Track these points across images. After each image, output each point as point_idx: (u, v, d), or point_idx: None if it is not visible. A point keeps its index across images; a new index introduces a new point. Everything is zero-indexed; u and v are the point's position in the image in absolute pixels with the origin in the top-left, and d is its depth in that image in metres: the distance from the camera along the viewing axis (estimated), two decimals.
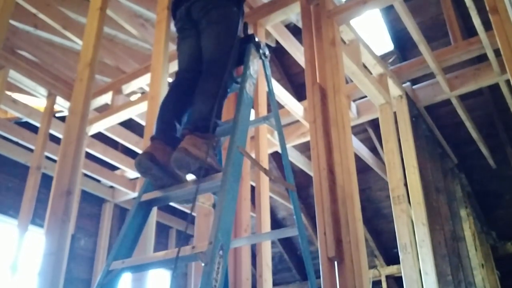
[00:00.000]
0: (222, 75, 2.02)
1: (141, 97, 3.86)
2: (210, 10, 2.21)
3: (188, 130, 1.83)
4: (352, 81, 3.56)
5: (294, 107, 4.01)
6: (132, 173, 5.25)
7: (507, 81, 3.90)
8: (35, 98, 4.27)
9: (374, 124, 5.10)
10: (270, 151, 4.48)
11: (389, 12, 4.69)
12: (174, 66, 3.07)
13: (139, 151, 4.69)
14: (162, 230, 6.23)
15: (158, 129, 2.00)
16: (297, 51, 3.61)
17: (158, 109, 2.10)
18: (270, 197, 5.08)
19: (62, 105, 4.17)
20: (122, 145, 5.10)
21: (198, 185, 1.71)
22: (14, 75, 3.79)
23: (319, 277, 2.20)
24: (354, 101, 4.35)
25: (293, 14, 3.37)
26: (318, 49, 2.82)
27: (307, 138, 4.38)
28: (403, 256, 3.13)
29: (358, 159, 4.56)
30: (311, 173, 3.63)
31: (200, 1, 2.26)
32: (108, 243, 5.45)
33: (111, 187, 5.60)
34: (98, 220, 5.57)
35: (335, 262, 2.20)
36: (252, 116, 2.63)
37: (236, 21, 2.25)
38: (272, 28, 3.41)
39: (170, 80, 2.78)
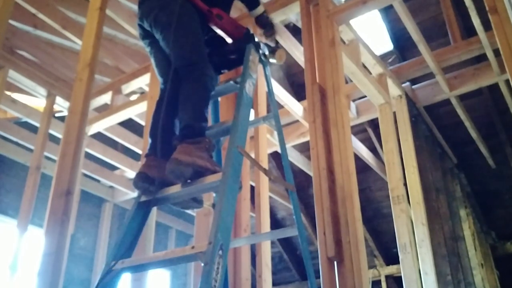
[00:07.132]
0: (200, 76, 1.98)
1: (141, 97, 3.86)
2: (157, 14, 2.06)
3: (178, 141, 1.84)
4: (351, 81, 3.56)
5: (293, 107, 4.00)
6: (132, 173, 5.25)
7: (507, 81, 3.90)
8: (35, 98, 4.27)
9: (374, 124, 5.11)
10: (270, 151, 4.48)
11: (389, 12, 4.69)
12: None
13: (139, 151, 4.73)
14: (162, 230, 6.23)
15: (149, 145, 2.01)
16: (296, 51, 3.60)
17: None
18: (270, 197, 5.08)
19: (61, 105, 4.17)
20: (122, 145, 5.09)
21: (196, 186, 1.71)
22: (14, 75, 3.79)
23: (319, 277, 2.20)
24: (353, 101, 4.35)
25: (293, 14, 3.37)
26: (317, 49, 2.82)
27: (307, 138, 4.38)
28: (402, 256, 3.13)
29: (358, 159, 4.56)
30: (311, 173, 3.62)
31: (146, 5, 2.12)
32: (107, 243, 5.45)
33: (111, 187, 5.60)
34: (97, 220, 5.56)
35: (335, 262, 2.20)
36: (252, 116, 2.63)
37: (189, 11, 2.09)
38: None
39: None
